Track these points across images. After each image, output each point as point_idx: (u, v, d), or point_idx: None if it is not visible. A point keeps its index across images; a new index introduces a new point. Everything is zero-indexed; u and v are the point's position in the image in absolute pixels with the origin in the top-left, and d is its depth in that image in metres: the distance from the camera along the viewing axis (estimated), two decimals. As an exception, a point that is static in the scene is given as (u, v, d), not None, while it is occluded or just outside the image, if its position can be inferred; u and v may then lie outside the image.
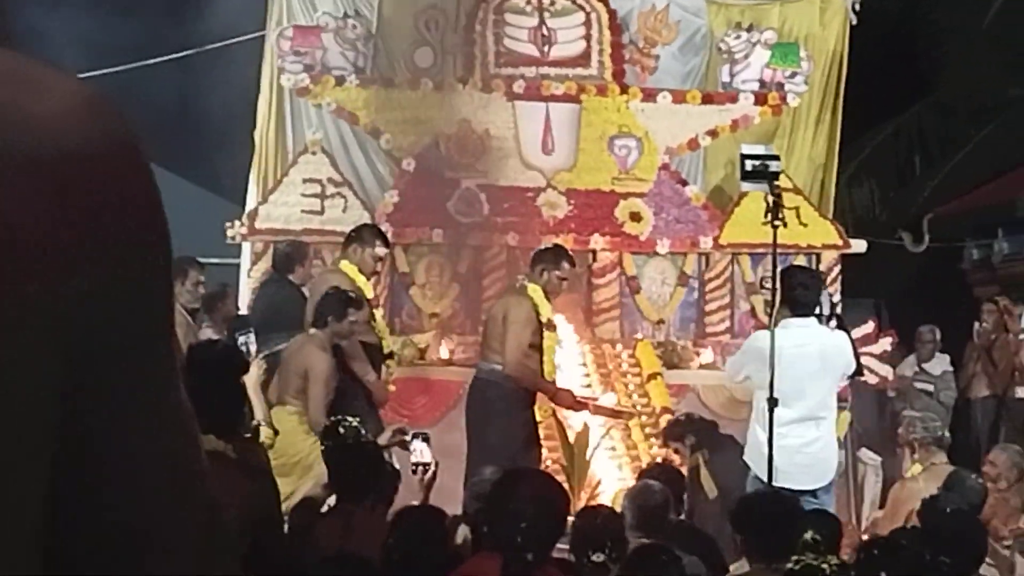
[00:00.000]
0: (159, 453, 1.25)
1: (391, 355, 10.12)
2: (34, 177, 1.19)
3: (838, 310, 9.73)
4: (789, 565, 5.29)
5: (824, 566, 5.04)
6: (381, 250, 10.06)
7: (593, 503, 9.48)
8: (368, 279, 10.02)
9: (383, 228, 12.17)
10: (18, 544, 1.19)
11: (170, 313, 1.29)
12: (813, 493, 8.65)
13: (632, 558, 5.66)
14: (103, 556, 1.25)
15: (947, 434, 10.24)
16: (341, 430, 7.27)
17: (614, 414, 10.93)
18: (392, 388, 10.16)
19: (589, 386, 11.62)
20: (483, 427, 9.58)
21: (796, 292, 8.88)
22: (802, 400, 8.72)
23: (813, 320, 8.97)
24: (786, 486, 8.31)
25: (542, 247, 10.20)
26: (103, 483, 1.24)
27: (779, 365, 8.42)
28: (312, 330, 9.27)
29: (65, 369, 1.20)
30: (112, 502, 1.24)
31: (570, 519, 6.74)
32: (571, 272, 10.24)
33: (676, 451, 9.98)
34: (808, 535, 6.40)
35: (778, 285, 9.05)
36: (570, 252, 10.45)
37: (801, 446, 8.71)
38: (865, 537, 9.76)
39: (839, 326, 9.23)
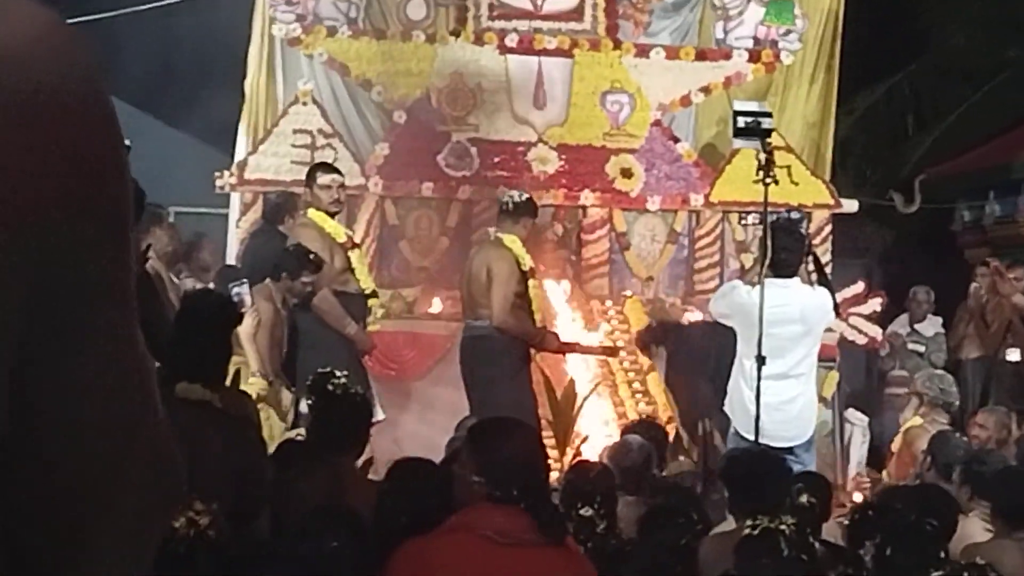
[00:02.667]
0: (109, 406, 1.22)
1: (374, 294, 10.05)
2: None
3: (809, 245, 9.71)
4: (747, 530, 5.26)
5: (783, 527, 5.02)
6: (326, 177, 9.93)
7: (580, 458, 9.49)
8: (334, 215, 9.92)
9: (373, 181, 12.16)
10: None
11: (130, 259, 1.25)
12: (792, 451, 8.65)
13: (647, 519, 5.66)
14: (47, 510, 1.21)
15: (955, 401, 10.25)
16: (330, 387, 7.22)
17: (601, 351, 10.96)
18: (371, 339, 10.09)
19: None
20: (483, 384, 9.54)
21: (779, 255, 8.86)
22: (781, 358, 8.72)
23: (795, 280, 8.96)
24: (764, 443, 8.33)
25: (514, 198, 10.12)
26: (51, 432, 1.20)
27: (762, 320, 8.44)
28: (267, 280, 9.26)
29: (22, 313, 1.16)
30: (58, 453, 1.21)
31: (557, 473, 6.74)
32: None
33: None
34: (804, 498, 6.40)
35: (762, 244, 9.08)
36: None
37: (780, 403, 8.72)
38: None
39: (820, 279, 9.21)
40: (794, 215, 9.43)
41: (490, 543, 4.40)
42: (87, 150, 1.19)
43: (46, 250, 1.17)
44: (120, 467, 1.23)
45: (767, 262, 8.78)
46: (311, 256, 9.31)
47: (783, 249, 8.91)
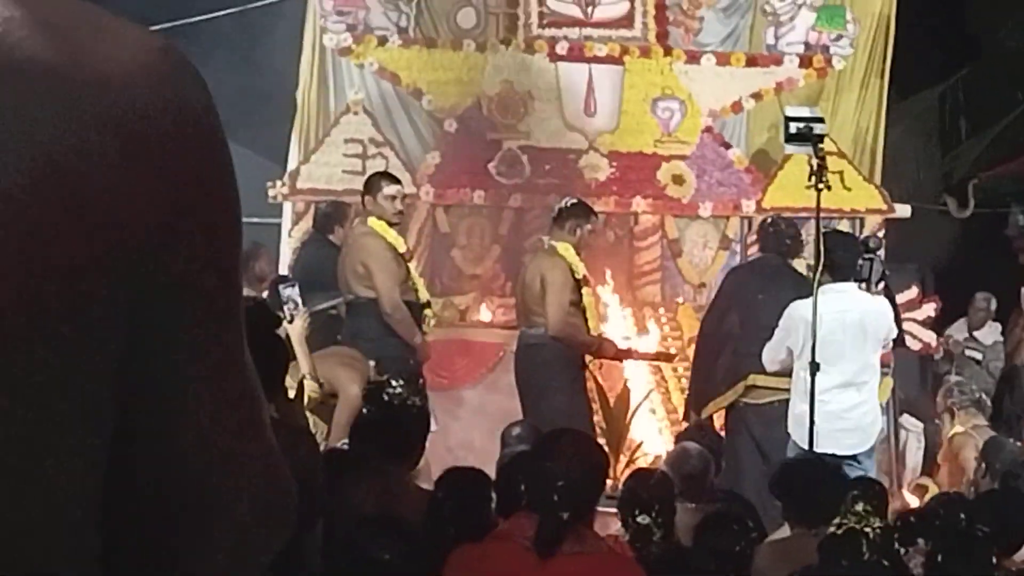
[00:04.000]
0: (227, 410, 1.24)
1: (428, 304, 10.08)
2: (105, 135, 1.15)
3: (886, 273, 9.63)
4: (831, 529, 5.26)
5: (867, 530, 5.01)
6: (391, 188, 9.92)
7: (633, 466, 9.49)
8: (395, 224, 9.92)
9: (424, 189, 12.17)
10: (79, 498, 1.17)
11: (239, 282, 1.27)
12: (855, 458, 8.60)
13: (703, 526, 5.66)
14: (167, 511, 1.24)
15: (985, 397, 10.25)
16: (385, 396, 7.22)
17: (656, 358, 10.94)
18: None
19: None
20: (539, 392, 9.55)
21: (835, 256, 8.81)
22: (842, 365, 8.65)
23: (852, 285, 8.90)
24: (828, 451, 8.27)
25: (564, 204, 10.13)
26: (168, 442, 1.22)
27: (819, 331, 8.36)
28: (371, 364, 9.07)
29: (132, 325, 1.18)
30: (178, 458, 1.23)
31: (610, 481, 6.73)
32: (599, 225, 10.31)
33: None
34: (859, 506, 6.37)
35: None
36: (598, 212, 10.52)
37: (842, 411, 8.66)
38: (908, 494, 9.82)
39: (886, 292, 9.16)
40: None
41: (530, 552, 4.44)
42: (195, 177, 1.20)
43: (154, 274, 1.18)
44: (223, 489, 1.24)
45: (822, 266, 8.73)
46: (420, 381, 9.26)
47: (838, 248, 8.86)
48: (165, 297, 1.19)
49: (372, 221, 9.78)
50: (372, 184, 9.96)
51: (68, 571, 1.16)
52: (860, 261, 9.19)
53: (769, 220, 10.46)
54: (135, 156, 1.16)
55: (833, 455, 8.20)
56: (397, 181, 10.12)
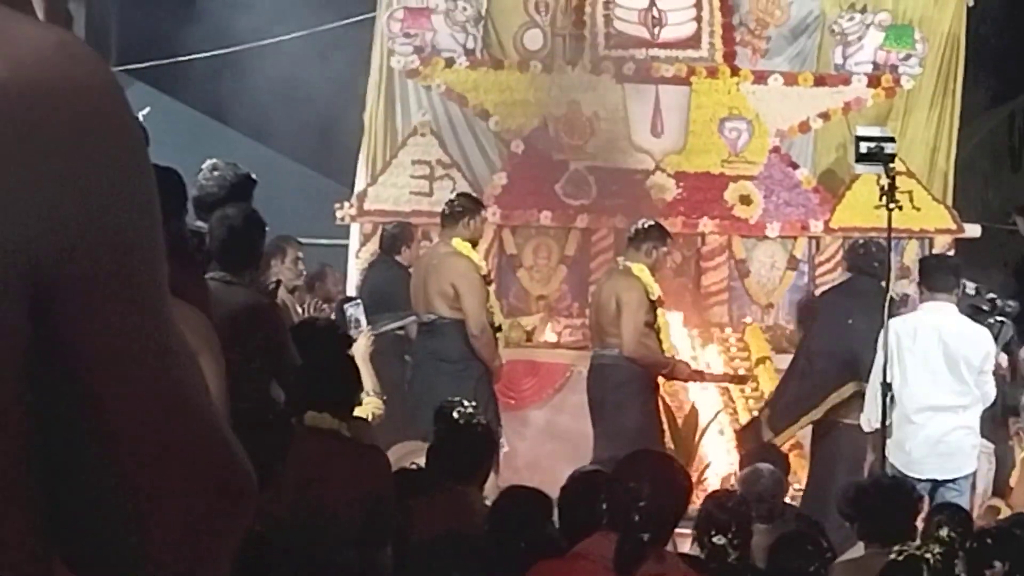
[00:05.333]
0: (149, 398, 1.22)
1: (499, 328, 10.11)
2: (5, 136, 1.16)
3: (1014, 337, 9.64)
4: (892, 556, 5.22)
5: (928, 555, 4.97)
6: (485, 212, 10.13)
7: (702, 486, 9.47)
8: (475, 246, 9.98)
9: (491, 210, 12.20)
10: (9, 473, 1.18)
11: (156, 249, 1.25)
12: (955, 481, 8.55)
13: (776, 547, 5.65)
14: (104, 505, 1.22)
15: None
16: (455, 415, 7.22)
17: (729, 379, 10.91)
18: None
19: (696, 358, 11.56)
20: (611, 412, 9.53)
21: (935, 274, 8.80)
22: (937, 386, 8.56)
23: (952, 307, 8.80)
24: (928, 476, 8.24)
25: (640, 225, 10.10)
26: (89, 410, 1.21)
27: (913, 347, 8.33)
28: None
29: (38, 321, 1.18)
30: (99, 425, 1.21)
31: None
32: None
33: None
34: (943, 531, 6.30)
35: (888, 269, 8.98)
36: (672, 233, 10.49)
37: (941, 435, 8.56)
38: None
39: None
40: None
41: (610, 571, 4.44)
42: (99, 168, 1.20)
43: (61, 267, 1.18)
44: (156, 477, 1.22)
45: (922, 283, 8.75)
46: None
47: (940, 265, 8.86)
48: (72, 289, 1.19)
49: (457, 242, 9.78)
50: (471, 207, 10.01)
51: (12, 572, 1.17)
52: (990, 320, 9.19)
53: (861, 241, 10.34)
54: (36, 154, 1.16)
55: (932, 480, 8.18)
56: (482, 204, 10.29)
